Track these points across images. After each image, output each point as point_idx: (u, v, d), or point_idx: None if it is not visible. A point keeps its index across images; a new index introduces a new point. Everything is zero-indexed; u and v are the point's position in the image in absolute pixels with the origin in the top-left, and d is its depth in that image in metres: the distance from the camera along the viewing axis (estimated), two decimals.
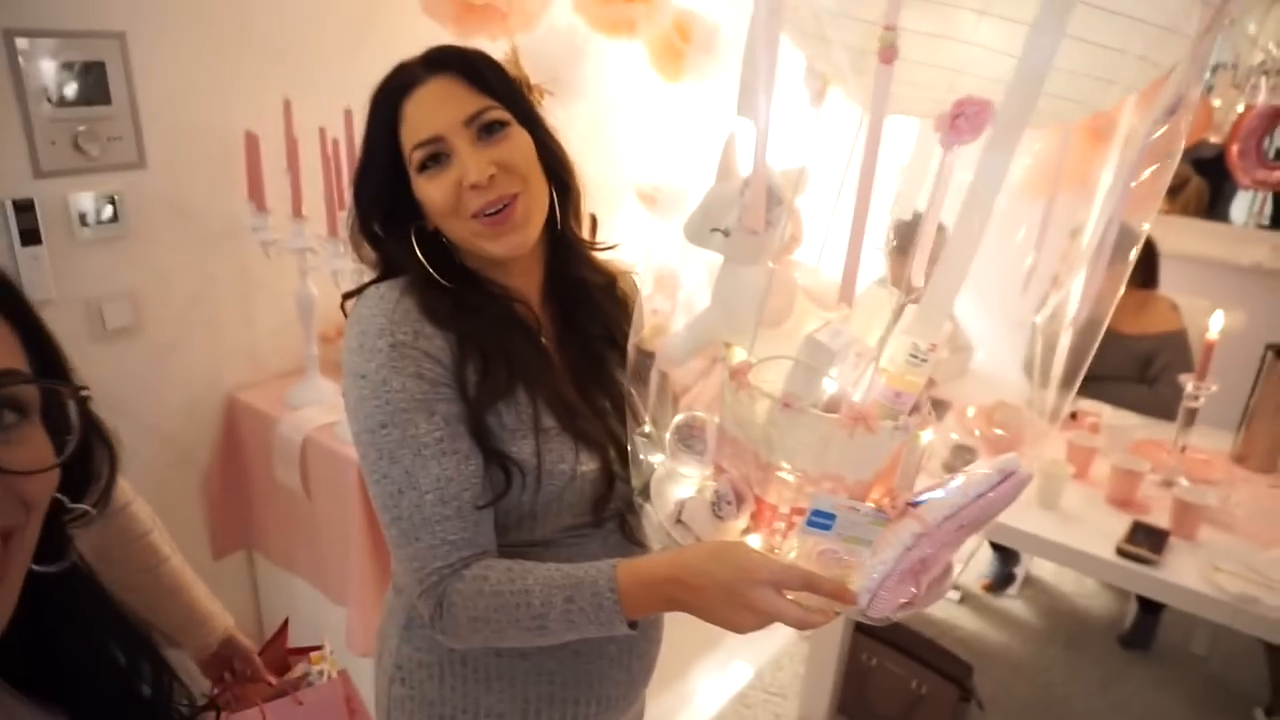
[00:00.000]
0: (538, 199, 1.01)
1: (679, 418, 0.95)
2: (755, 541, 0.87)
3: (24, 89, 1.66)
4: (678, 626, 1.16)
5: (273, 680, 1.38)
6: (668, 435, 0.95)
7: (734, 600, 0.81)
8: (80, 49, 1.73)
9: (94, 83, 1.75)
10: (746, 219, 0.81)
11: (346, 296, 1.03)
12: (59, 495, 0.54)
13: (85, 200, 1.79)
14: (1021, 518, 2.03)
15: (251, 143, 1.92)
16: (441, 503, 0.92)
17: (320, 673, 1.39)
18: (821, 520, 0.80)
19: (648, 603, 0.89)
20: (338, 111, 1.74)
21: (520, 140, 0.98)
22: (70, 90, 1.73)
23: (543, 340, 1.06)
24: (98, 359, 1.85)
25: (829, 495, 0.80)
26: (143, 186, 1.87)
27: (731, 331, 0.88)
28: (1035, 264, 0.88)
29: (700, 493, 0.92)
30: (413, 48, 0.99)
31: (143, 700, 0.64)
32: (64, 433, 0.53)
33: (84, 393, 0.55)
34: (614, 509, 1.06)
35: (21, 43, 1.64)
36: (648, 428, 0.97)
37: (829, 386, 0.82)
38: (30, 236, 1.73)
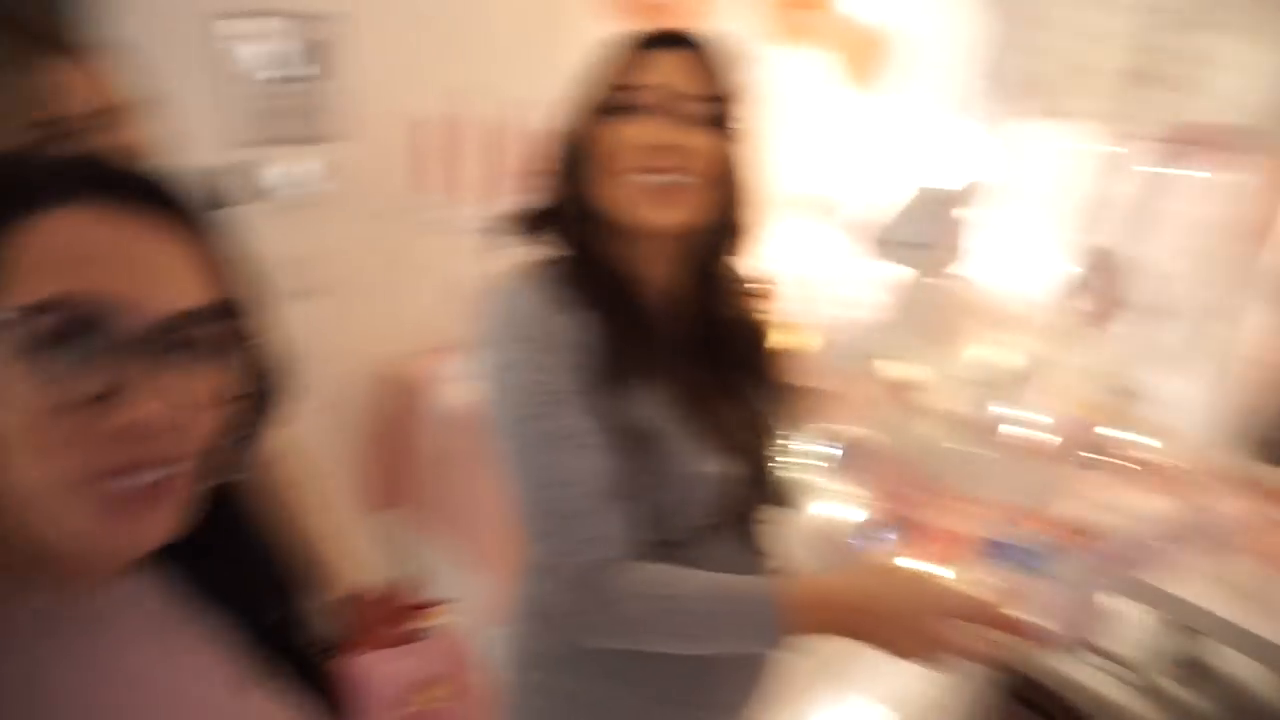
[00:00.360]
0: (705, 196, 0.99)
1: (830, 431, 0.93)
2: (920, 568, 0.85)
3: (233, 64, 1.80)
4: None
5: (391, 629, 1.43)
6: (812, 447, 0.93)
7: (913, 629, 0.79)
8: (306, 28, 1.85)
9: (311, 59, 1.88)
10: (936, 234, 0.78)
11: (492, 277, 1.04)
12: (231, 422, 0.57)
13: (290, 167, 1.92)
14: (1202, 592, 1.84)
15: (442, 126, 2.01)
16: (584, 497, 0.91)
17: (434, 628, 1.44)
18: (998, 549, 0.77)
19: (813, 624, 0.87)
20: (511, 101, 1.79)
21: (718, 145, 0.96)
22: (288, 65, 1.86)
23: (671, 340, 1.05)
24: (281, 317, 1.99)
25: (1007, 524, 0.76)
26: (340, 159, 1.99)
27: (900, 345, 0.86)
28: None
29: (848, 512, 0.90)
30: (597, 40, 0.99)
31: (287, 622, 0.68)
32: (239, 370, 0.55)
33: (263, 336, 0.57)
34: (740, 514, 1.04)
35: (235, 22, 1.78)
36: (794, 438, 0.95)
37: (1007, 412, 0.79)
38: (233, 199, 1.87)
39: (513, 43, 2.03)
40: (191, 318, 0.50)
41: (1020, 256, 0.74)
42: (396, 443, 2.23)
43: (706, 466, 0.99)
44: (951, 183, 0.76)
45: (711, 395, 1.05)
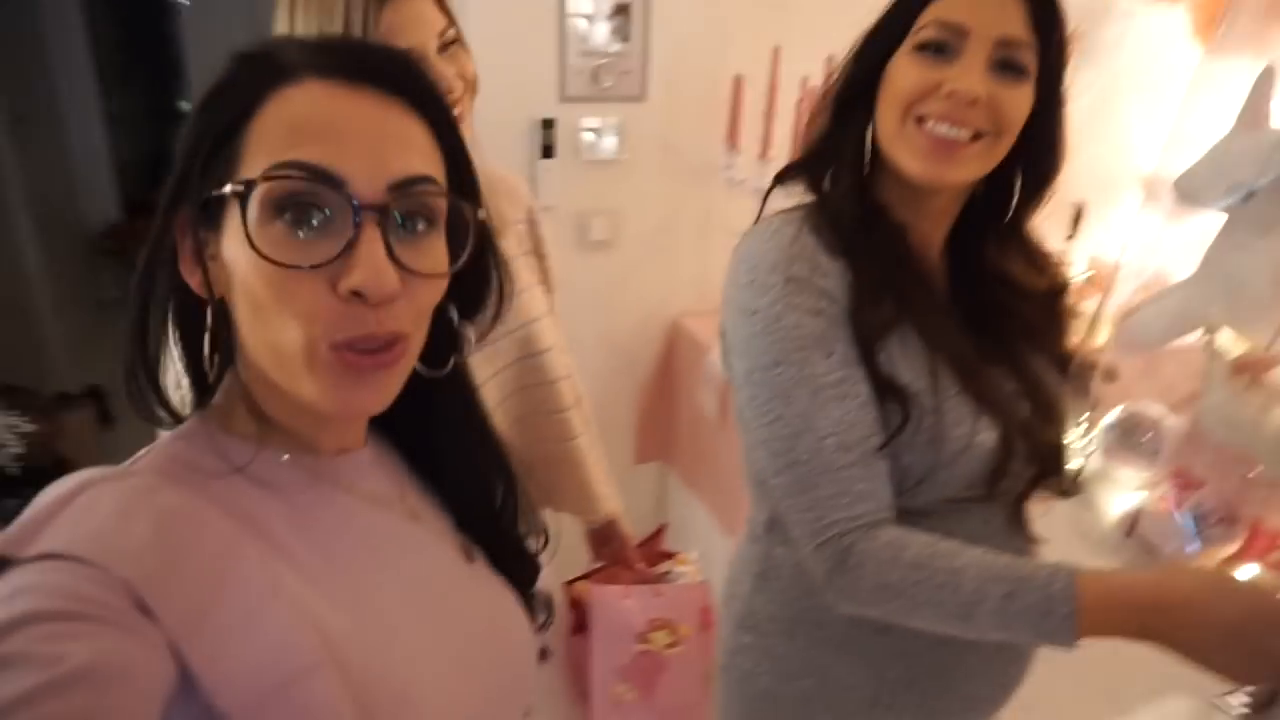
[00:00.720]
0: (989, 158, 0.88)
1: (1122, 408, 0.80)
2: (1248, 574, 0.72)
3: (565, 26, 1.92)
4: (1070, 673, 1.00)
5: (640, 569, 1.47)
6: (1106, 427, 0.80)
7: (1241, 644, 0.68)
8: None
9: (619, 23, 1.96)
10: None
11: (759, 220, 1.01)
12: (448, 307, 0.60)
13: (593, 125, 2.03)
14: None
15: (738, 87, 2.02)
16: (844, 449, 0.85)
17: (682, 574, 1.46)
18: None
19: (1111, 625, 0.76)
20: (820, 60, 1.74)
21: (1023, 99, 0.85)
22: (599, 28, 1.95)
23: (939, 296, 0.95)
24: (577, 265, 2.10)
25: None
26: (639, 118, 2.07)
27: (1233, 314, 0.72)
28: None
29: (1149, 501, 0.78)
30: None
31: (493, 508, 0.72)
32: (461, 249, 0.57)
33: (481, 215, 0.58)
34: (1004, 488, 0.93)
35: None
36: (1084, 420, 0.83)
37: None
38: (548, 151, 2.01)
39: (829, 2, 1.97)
40: (416, 184, 0.53)
41: None
42: (670, 397, 2.30)
43: (978, 434, 0.90)
44: None
45: (992, 360, 0.95)
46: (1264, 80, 0.73)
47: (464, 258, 0.57)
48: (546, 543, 0.77)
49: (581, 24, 1.95)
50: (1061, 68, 0.86)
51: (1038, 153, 0.88)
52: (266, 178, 0.48)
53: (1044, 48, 0.84)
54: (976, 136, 0.84)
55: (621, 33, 1.99)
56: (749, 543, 1.09)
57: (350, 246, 0.49)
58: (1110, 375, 0.86)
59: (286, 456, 0.55)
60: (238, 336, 0.53)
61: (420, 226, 0.53)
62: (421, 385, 0.59)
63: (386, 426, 0.64)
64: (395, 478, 0.64)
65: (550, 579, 1.42)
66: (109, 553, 0.44)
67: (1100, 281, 0.88)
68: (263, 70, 0.51)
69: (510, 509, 0.73)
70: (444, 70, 1.04)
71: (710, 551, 1.98)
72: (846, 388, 0.86)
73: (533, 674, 0.71)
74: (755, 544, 1.06)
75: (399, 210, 0.51)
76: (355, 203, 0.49)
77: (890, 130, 0.88)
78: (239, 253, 0.50)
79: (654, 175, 2.14)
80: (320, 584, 0.52)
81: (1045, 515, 0.93)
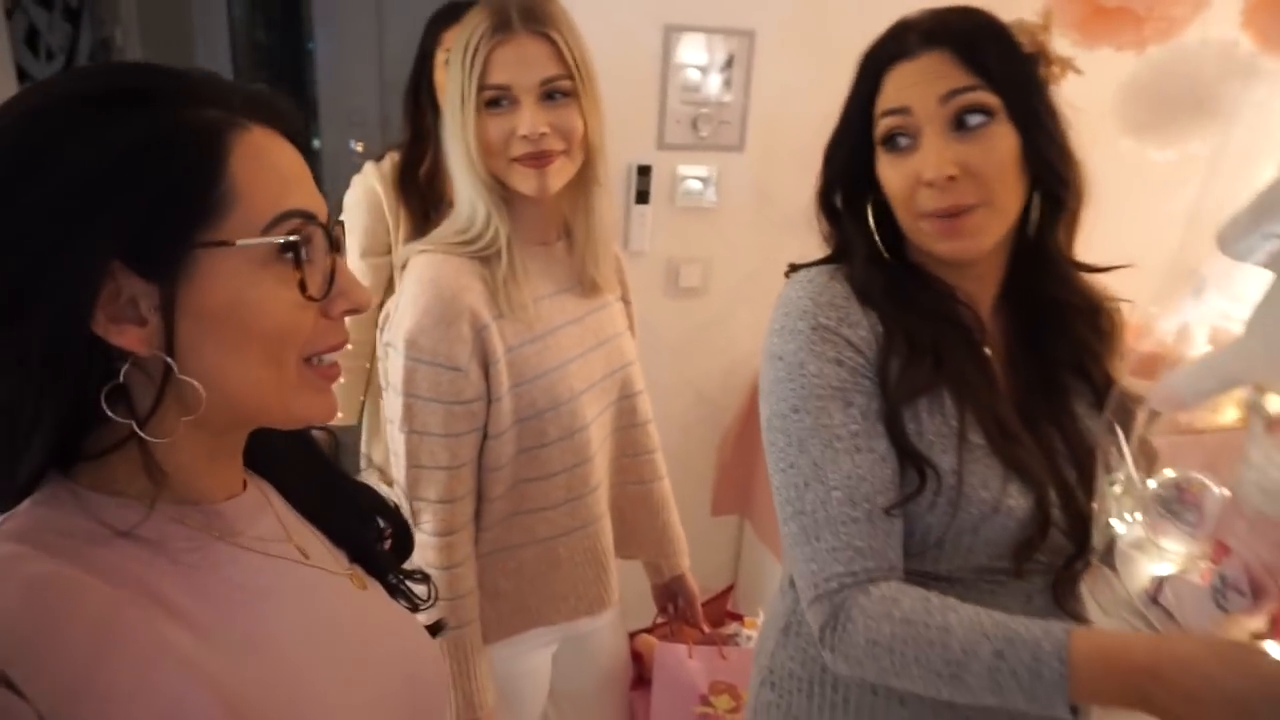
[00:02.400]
0: (1001, 212, 0.85)
1: (1167, 474, 0.75)
2: (1275, 652, 0.64)
3: (666, 75, 1.97)
4: None
5: (706, 629, 1.44)
6: (1149, 494, 0.73)
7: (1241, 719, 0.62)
8: (717, 44, 1.98)
9: (720, 73, 2.00)
10: None
11: (791, 270, 1.00)
12: None
13: (690, 173, 2.06)
14: None
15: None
16: (850, 503, 0.83)
17: (749, 637, 1.42)
18: None
19: (1105, 690, 0.71)
20: None
21: (1000, 141, 0.83)
22: (699, 77, 1.99)
23: (986, 351, 0.90)
24: (666, 310, 2.13)
25: None
26: (736, 168, 2.10)
27: (1273, 372, 0.65)
28: None
29: (1188, 573, 0.70)
30: None
31: (378, 540, 0.75)
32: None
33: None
34: (1042, 561, 0.86)
35: (675, 36, 1.95)
36: (1121, 479, 0.76)
37: None
38: (643, 197, 2.05)
39: None
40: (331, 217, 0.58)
41: None
42: (751, 449, 2.26)
43: (1007, 499, 0.86)
44: None
45: (1034, 417, 0.91)
46: None
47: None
48: (433, 595, 0.78)
49: (694, 74, 2.00)
50: (1027, 86, 0.85)
51: (1043, 173, 0.86)
52: (287, 229, 0.53)
53: (994, 81, 0.82)
54: (972, 208, 0.84)
55: (721, 83, 2.02)
56: (779, 596, 1.07)
57: (333, 273, 0.56)
58: (1160, 438, 0.79)
59: (150, 507, 0.52)
60: (160, 387, 0.51)
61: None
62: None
63: (257, 465, 0.66)
64: (279, 517, 0.65)
65: (616, 627, 1.42)
66: None
67: (1119, 314, 0.82)
68: (214, 115, 0.52)
69: (393, 545, 0.76)
70: (533, 114, 1.08)
71: None
72: (861, 441, 0.85)
73: (446, 687, 0.73)
74: (784, 598, 1.04)
75: (337, 237, 0.58)
76: (331, 236, 0.56)
77: (907, 226, 0.90)
78: (244, 295, 0.51)
79: (747, 225, 2.15)
80: (215, 640, 0.51)
81: (1102, 590, 0.86)
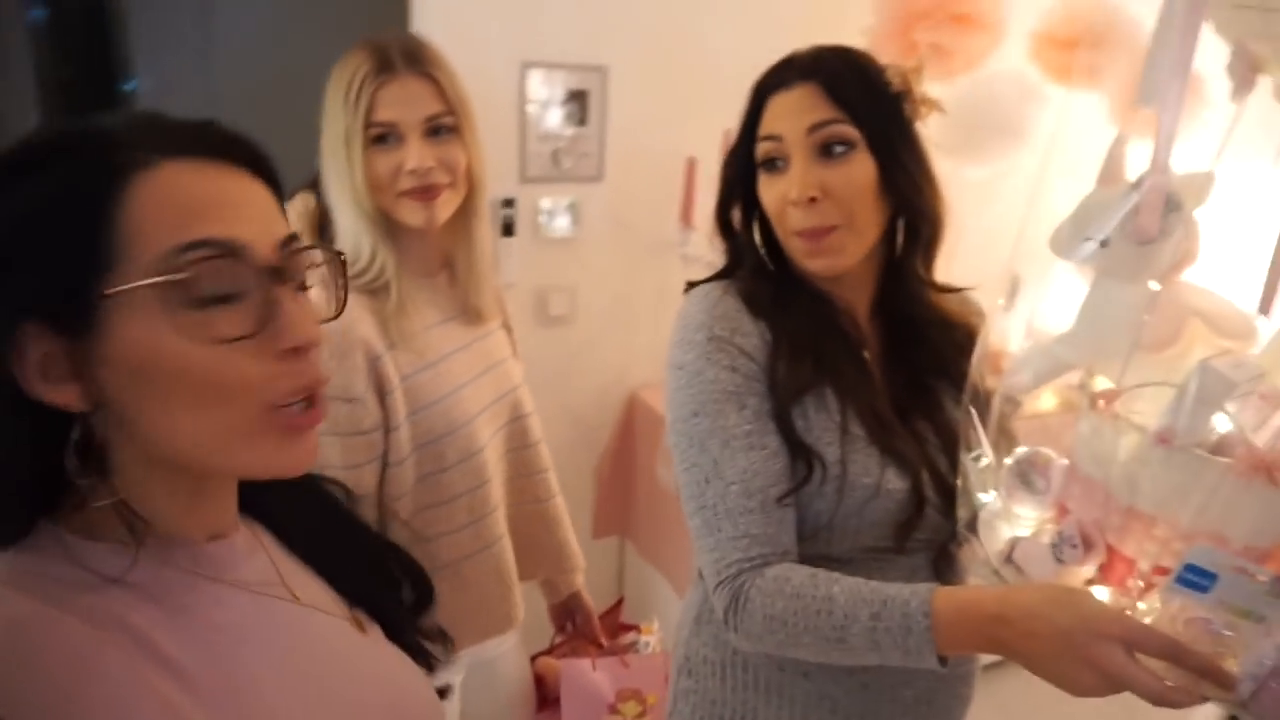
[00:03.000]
0: (860, 233, 0.96)
1: (1019, 451, 0.85)
2: (1102, 596, 0.74)
3: (525, 110, 2.02)
4: (994, 705, 1.00)
5: (604, 642, 1.48)
6: (1004, 468, 0.84)
7: (1073, 653, 0.70)
8: (572, 79, 2.05)
9: (576, 107, 2.07)
10: (1136, 223, 0.70)
11: (689, 286, 1.08)
12: None
13: (551, 205, 2.11)
14: None
15: (691, 167, 2.12)
16: (745, 495, 0.91)
17: (647, 644, 1.47)
18: (1196, 579, 0.67)
19: (965, 638, 0.80)
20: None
21: (859, 169, 0.94)
22: (556, 112, 2.05)
23: (864, 354, 1.01)
24: (537, 339, 2.16)
25: (1212, 549, 0.65)
26: (596, 198, 2.17)
27: (1096, 355, 0.77)
28: None
29: (1038, 535, 0.80)
30: None
31: (380, 582, 0.74)
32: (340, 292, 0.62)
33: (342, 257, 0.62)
34: (922, 539, 0.97)
35: (531, 72, 2.00)
36: (981, 457, 0.87)
37: (1221, 425, 0.67)
38: (508, 229, 2.08)
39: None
40: (293, 240, 0.55)
41: (1252, 255, 0.63)
42: (628, 470, 2.31)
43: (886, 483, 0.95)
44: (1175, 172, 0.68)
45: (907, 411, 1.01)
46: (1118, 141, 0.80)
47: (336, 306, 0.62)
48: (448, 644, 0.78)
49: (551, 109, 2.06)
50: (887, 122, 0.95)
51: (905, 202, 0.96)
52: (187, 263, 0.49)
53: (856, 116, 0.93)
54: (833, 229, 0.94)
55: (577, 117, 2.09)
56: (692, 587, 1.13)
57: (272, 307, 0.52)
58: (1011, 416, 0.91)
59: (133, 558, 0.52)
60: (120, 437, 0.51)
61: (306, 281, 0.57)
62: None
63: (250, 506, 0.64)
64: (271, 558, 0.64)
65: (519, 651, 1.43)
66: None
67: (974, 308, 0.94)
68: (106, 162, 0.50)
69: (402, 593, 0.75)
70: (420, 150, 1.11)
71: (670, 622, 1.97)
72: (754, 439, 0.92)
73: None
74: (696, 589, 1.11)
75: (289, 267, 0.54)
76: (263, 266, 0.52)
77: (782, 241, 1.01)
78: (160, 343, 0.48)
79: (610, 252, 2.23)
80: (197, 687, 0.51)
81: (971, 556, 0.96)
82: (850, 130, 0.94)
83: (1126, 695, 0.68)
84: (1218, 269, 0.76)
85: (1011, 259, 1.02)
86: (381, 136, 1.12)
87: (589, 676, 1.41)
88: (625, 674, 1.43)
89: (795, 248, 0.98)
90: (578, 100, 2.10)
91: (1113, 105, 2.13)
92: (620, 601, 1.62)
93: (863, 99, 0.95)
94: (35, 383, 0.48)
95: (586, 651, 1.48)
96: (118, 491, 0.51)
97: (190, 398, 0.50)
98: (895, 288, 1.03)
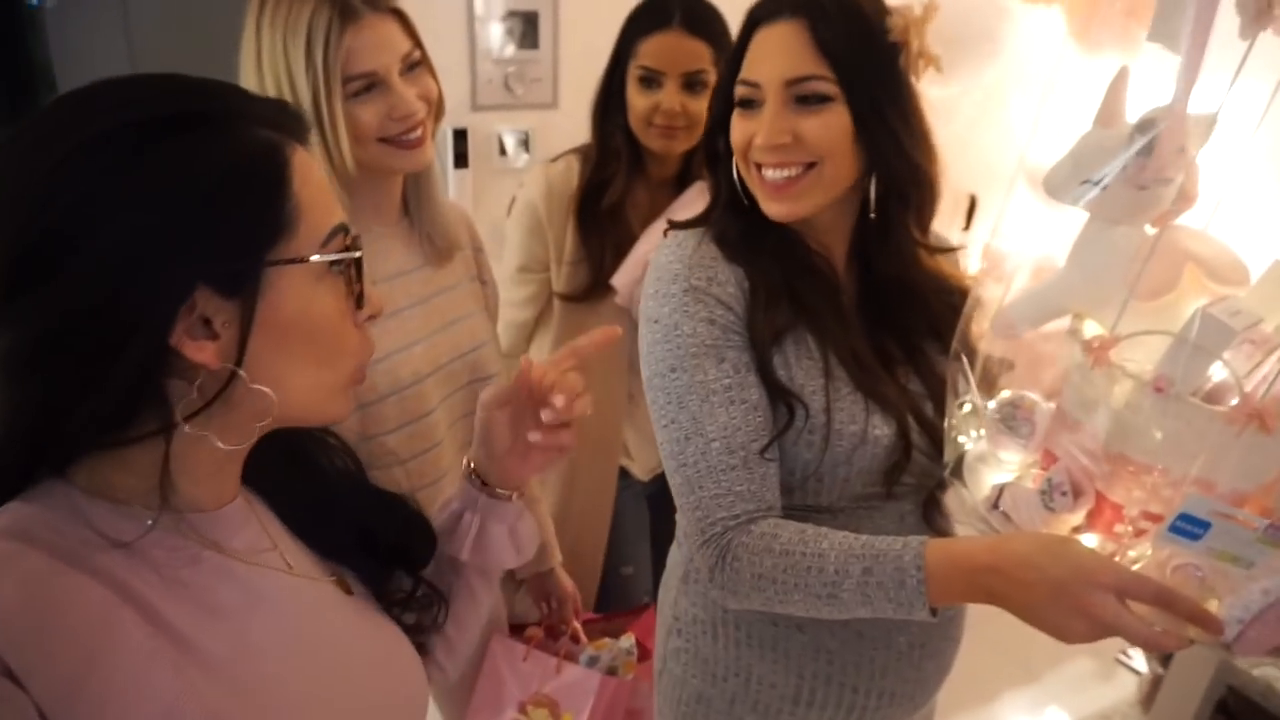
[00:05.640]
0: (826, 182, 0.93)
1: (1004, 395, 0.85)
2: (1090, 543, 0.75)
3: (474, 32, 1.93)
4: (987, 642, 1.03)
5: (579, 634, 1.40)
6: (989, 412, 0.84)
7: (1065, 602, 0.71)
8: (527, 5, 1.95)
9: (527, 30, 1.98)
10: (1150, 167, 0.68)
11: (670, 227, 1.05)
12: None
13: (506, 133, 2.03)
14: None
15: None
16: (728, 451, 0.89)
17: (594, 659, 1.34)
18: (1190, 528, 0.67)
19: (958, 589, 0.80)
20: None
21: (833, 121, 0.90)
22: (508, 35, 1.96)
23: (842, 298, 0.99)
24: (496, 275, 2.11)
25: (1206, 499, 0.65)
26: (551, 125, 2.09)
27: (1090, 301, 0.76)
28: None
29: (1022, 479, 0.81)
30: None
31: (374, 551, 0.74)
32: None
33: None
34: (910, 484, 0.97)
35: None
36: (967, 402, 0.87)
37: (1216, 374, 0.67)
38: (461, 160, 2.01)
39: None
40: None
41: (1254, 200, 0.62)
42: None
43: (872, 430, 0.94)
44: (1154, 116, 0.66)
45: (889, 358, 1.00)
46: (1118, 80, 0.77)
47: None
48: (443, 606, 0.78)
49: (499, 30, 1.96)
50: (870, 78, 0.91)
51: (881, 160, 0.93)
52: (341, 244, 0.56)
53: (840, 70, 0.89)
54: (809, 168, 0.89)
55: (530, 40, 2.00)
56: (676, 547, 1.11)
57: (362, 282, 0.58)
58: (1006, 365, 0.90)
59: (151, 522, 0.53)
60: (228, 393, 0.53)
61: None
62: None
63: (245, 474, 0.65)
64: (265, 526, 0.64)
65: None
66: None
67: (994, 269, 0.92)
68: (276, 136, 0.54)
69: (400, 553, 0.76)
70: (405, 93, 1.04)
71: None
72: (735, 393, 0.90)
73: (425, 706, 0.72)
74: (680, 548, 1.09)
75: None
76: (360, 251, 0.58)
77: (746, 180, 0.96)
78: (311, 308, 0.54)
79: None
80: (195, 653, 0.52)
81: (959, 503, 0.96)
82: (828, 86, 0.90)
83: None
84: (1217, 214, 0.75)
85: (963, 178, 0.99)
86: (363, 89, 1.04)
87: (515, 665, 1.30)
88: (552, 679, 1.30)
89: (756, 186, 0.95)
90: (527, 21, 2.00)
91: (1070, 21, 2.11)
92: (649, 607, 1.41)
93: (849, 48, 0.90)
94: (181, 339, 0.50)
95: (557, 649, 1.35)
96: (167, 451, 0.52)
97: (322, 355, 0.56)
98: (881, 244, 1.00)
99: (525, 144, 2.09)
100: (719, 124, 0.99)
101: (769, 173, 0.92)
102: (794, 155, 0.91)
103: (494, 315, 1.37)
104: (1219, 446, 0.65)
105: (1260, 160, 0.68)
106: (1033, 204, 0.84)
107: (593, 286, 1.53)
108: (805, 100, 0.90)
